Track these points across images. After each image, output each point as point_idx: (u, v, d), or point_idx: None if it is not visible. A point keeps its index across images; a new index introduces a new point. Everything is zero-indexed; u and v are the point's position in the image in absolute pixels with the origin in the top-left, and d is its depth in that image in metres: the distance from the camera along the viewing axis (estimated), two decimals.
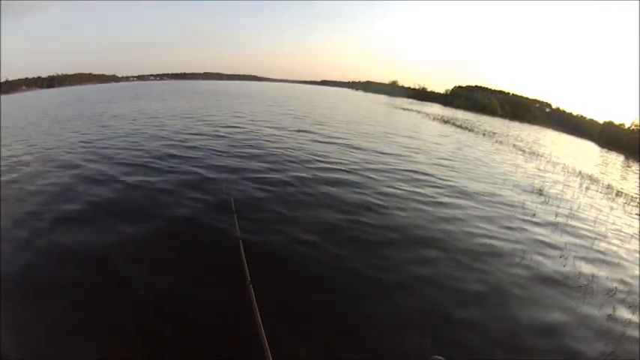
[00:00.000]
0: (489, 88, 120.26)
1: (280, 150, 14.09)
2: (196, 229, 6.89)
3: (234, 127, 19.70)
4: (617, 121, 74.61)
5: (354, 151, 15.62)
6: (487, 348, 4.52)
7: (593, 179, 19.09)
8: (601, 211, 12.34)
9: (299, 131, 13.79)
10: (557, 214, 10.59)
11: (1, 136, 17.43)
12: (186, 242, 6.47)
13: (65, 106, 37.81)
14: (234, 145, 14.44)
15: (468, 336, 4.69)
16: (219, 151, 13.19)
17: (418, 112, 54.12)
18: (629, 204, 14.62)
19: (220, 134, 17.04)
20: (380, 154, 15.59)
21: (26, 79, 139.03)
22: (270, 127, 20.00)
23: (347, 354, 4.16)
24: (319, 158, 13.31)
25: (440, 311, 5.13)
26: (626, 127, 69.97)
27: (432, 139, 24.44)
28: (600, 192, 16.04)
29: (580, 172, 20.46)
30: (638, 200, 15.57)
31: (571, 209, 11.47)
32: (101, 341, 4.10)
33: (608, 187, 17.50)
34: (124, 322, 4.42)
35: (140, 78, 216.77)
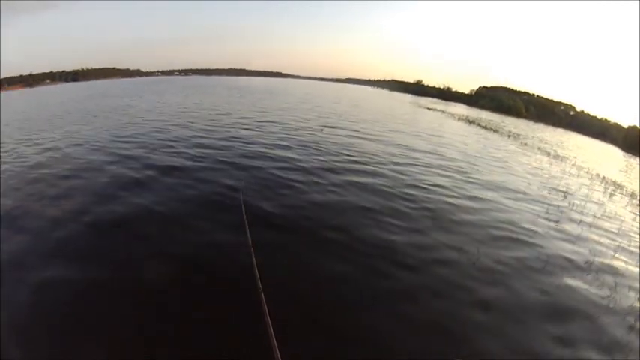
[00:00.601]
0: (514, 89, 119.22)
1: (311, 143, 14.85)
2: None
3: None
4: None
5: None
6: None
7: (617, 185, 19.21)
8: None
9: (323, 129, 13.95)
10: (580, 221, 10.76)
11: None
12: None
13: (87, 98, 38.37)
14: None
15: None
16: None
17: (443, 111, 54.07)
18: None
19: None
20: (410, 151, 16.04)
21: (50, 72, 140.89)
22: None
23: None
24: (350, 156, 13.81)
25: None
26: None
27: (457, 138, 24.73)
28: (624, 198, 16.14)
29: (604, 177, 20.53)
30: None
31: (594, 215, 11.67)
32: (103, 341, 4.20)
33: (632, 194, 17.51)
34: (127, 322, 4.53)
35: (165, 73, 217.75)
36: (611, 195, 16.12)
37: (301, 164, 11.82)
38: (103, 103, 31.81)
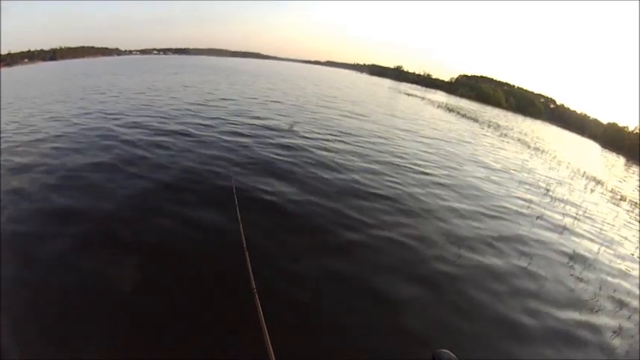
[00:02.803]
0: (495, 79, 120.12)
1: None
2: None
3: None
4: (620, 124, 75.51)
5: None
6: None
7: (597, 180, 19.07)
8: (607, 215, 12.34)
9: (292, 126, 13.42)
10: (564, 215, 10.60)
11: None
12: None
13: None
14: None
15: None
16: None
17: (422, 98, 54.01)
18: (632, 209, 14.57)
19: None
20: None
21: (29, 51, 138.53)
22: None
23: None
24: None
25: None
26: (630, 130, 70.76)
27: (437, 133, 24.23)
28: (604, 194, 16.01)
29: (584, 172, 20.42)
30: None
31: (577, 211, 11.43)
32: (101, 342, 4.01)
33: (612, 190, 17.45)
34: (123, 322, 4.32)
35: (143, 52, 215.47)
36: (592, 190, 15.88)
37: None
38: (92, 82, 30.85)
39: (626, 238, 10.57)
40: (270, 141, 11.98)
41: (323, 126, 15.93)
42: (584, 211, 11.79)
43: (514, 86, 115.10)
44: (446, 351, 2.34)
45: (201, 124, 13.35)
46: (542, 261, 7.38)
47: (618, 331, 5.67)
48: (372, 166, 11.05)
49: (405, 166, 11.82)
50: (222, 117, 15.06)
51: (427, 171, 11.88)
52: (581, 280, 7.04)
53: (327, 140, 13.25)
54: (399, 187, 9.76)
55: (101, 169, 8.53)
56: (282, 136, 12.68)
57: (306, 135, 13.49)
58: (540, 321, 5.44)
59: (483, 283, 6.07)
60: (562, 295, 6.36)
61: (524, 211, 10.22)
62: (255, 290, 3.13)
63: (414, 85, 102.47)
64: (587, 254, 8.33)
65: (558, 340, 5.15)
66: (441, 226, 7.89)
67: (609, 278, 7.45)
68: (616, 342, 5.43)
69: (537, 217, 9.91)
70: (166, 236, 5.99)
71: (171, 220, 6.46)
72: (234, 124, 14.01)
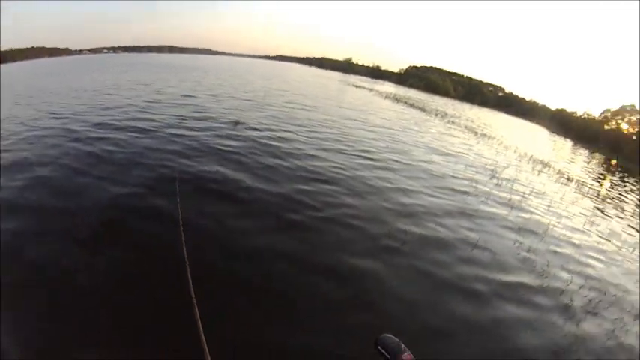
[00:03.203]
0: (444, 69, 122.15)
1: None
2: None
3: None
4: (569, 109, 78.64)
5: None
6: None
7: (544, 163, 19.62)
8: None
9: (236, 124, 13.17)
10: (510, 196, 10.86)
11: None
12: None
13: None
14: None
15: None
16: None
17: (370, 89, 54.25)
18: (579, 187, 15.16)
19: None
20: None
21: None
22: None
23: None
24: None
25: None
26: (578, 115, 73.78)
27: (384, 122, 24.16)
28: (551, 176, 16.53)
29: (532, 156, 20.95)
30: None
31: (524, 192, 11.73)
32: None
33: (560, 172, 18.05)
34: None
35: (93, 51, 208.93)
36: (539, 172, 16.38)
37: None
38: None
39: (574, 214, 11.07)
40: (218, 133, 11.83)
41: (272, 118, 15.81)
42: (532, 190, 12.18)
43: (463, 75, 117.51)
44: (389, 335, 2.29)
45: (151, 120, 12.83)
46: (491, 235, 7.68)
47: (568, 292, 6.16)
48: (321, 154, 11.07)
49: (353, 154, 11.86)
50: (172, 113, 14.51)
51: (374, 157, 11.96)
52: (530, 250, 7.44)
53: (275, 131, 13.11)
54: (347, 172, 9.86)
55: (48, 168, 8.21)
56: (231, 130, 12.47)
57: (256, 127, 13.39)
58: (493, 287, 5.74)
59: (433, 256, 6.29)
60: (512, 264, 6.72)
61: (470, 191, 10.46)
62: (194, 298, 2.99)
63: (363, 77, 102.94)
64: (535, 228, 8.72)
65: (511, 302, 5.46)
66: (388, 206, 8.06)
67: (558, 249, 7.92)
68: (567, 300, 5.90)
69: (484, 196, 10.18)
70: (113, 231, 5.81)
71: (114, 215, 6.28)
72: (183, 118, 13.77)
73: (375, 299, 4.96)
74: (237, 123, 13.07)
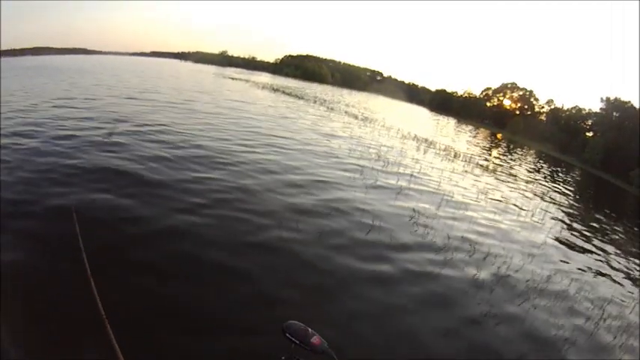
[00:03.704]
0: (320, 57, 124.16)
1: None
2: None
3: None
4: (449, 90, 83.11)
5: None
6: None
7: (429, 142, 19.88)
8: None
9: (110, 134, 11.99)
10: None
11: None
12: None
13: None
14: None
15: None
16: None
17: (247, 81, 53.98)
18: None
19: None
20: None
21: None
22: None
23: None
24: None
25: None
26: (459, 94, 78.51)
27: (260, 112, 23.72)
28: (438, 153, 16.73)
29: (415, 135, 21.29)
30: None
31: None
32: None
33: (446, 149, 18.29)
34: None
35: None
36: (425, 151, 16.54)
37: None
38: None
39: (465, 188, 11.32)
40: (95, 139, 10.61)
41: (147, 119, 14.58)
42: (420, 169, 12.18)
43: (339, 62, 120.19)
44: (294, 322, 2.25)
45: (34, 130, 11.46)
46: (386, 217, 7.74)
47: (473, 263, 6.46)
48: (198, 151, 10.64)
49: (231, 147, 11.46)
50: (46, 121, 13.17)
51: (255, 150, 11.66)
52: (427, 227, 7.60)
53: (151, 133, 12.16)
54: (228, 166, 9.64)
55: None
56: (107, 136, 11.35)
57: (131, 129, 12.39)
58: (396, 265, 5.85)
59: (329, 242, 6.27)
60: (413, 241, 6.87)
61: (357, 175, 10.35)
62: (105, 317, 3.02)
63: (239, 69, 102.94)
64: (428, 206, 8.91)
65: (418, 278, 5.62)
66: (274, 197, 8.02)
67: (455, 223, 8.21)
68: (472, 272, 6.15)
69: (372, 179, 10.16)
70: None
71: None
72: (62, 127, 12.17)
73: (273, 290, 4.82)
74: (111, 131, 11.87)
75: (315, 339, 2.09)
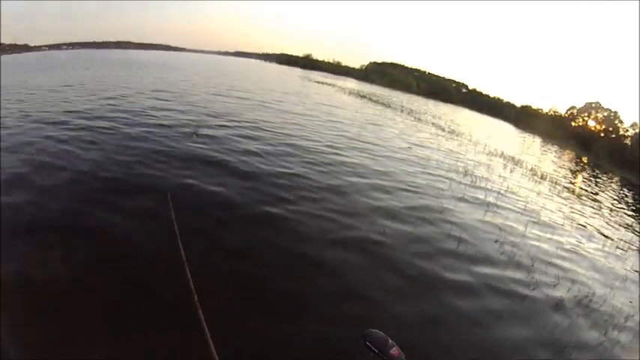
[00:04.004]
0: (405, 65, 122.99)
1: None
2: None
3: None
4: (534, 106, 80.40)
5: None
6: None
7: (516, 160, 19.65)
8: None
9: (199, 127, 12.46)
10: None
11: None
12: None
13: None
14: None
15: None
16: None
17: (333, 85, 54.17)
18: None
19: None
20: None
21: None
22: None
23: None
24: None
25: None
26: (544, 112, 75.73)
27: (349, 117, 23.94)
28: (525, 174, 16.57)
29: (502, 152, 21.06)
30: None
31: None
32: None
33: (532, 169, 18.08)
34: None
35: (52, 47, 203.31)
36: (511, 170, 16.39)
37: None
38: None
39: (551, 211, 11.14)
40: (185, 131, 11.44)
41: (235, 116, 15.23)
42: (507, 188, 12.10)
43: (425, 72, 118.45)
44: (376, 330, 2.45)
45: (128, 118, 12.21)
46: (473, 231, 7.85)
47: (554, 286, 6.40)
48: (287, 149, 11.10)
49: (319, 148, 11.89)
50: (140, 111, 13.92)
51: (343, 153, 11.98)
52: (513, 245, 7.59)
53: (240, 129, 12.84)
54: (315, 166, 9.99)
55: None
56: (196, 129, 11.92)
57: (220, 124, 13.10)
58: (478, 278, 5.92)
59: (415, 248, 6.45)
60: (497, 258, 6.93)
61: (444, 187, 10.54)
62: (197, 301, 3.09)
63: (324, 73, 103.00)
64: (515, 225, 8.87)
65: (499, 294, 5.64)
66: (361, 199, 8.25)
67: (541, 244, 8.16)
68: (555, 293, 6.14)
69: (460, 193, 10.27)
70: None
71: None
72: (153, 117, 12.97)
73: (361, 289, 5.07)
74: (196, 130, 12.31)
75: (394, 350, 2.30)
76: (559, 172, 20.11)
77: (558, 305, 5.82)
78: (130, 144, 9.50)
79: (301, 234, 6.20)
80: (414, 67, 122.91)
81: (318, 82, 56.09)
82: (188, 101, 17.08)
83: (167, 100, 16.43)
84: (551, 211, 11.07)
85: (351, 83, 75.89)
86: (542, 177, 16.27)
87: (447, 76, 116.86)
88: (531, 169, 17.82)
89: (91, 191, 6.81)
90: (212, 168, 8.48)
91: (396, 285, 5.25)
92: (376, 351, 2.31)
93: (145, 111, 13.36)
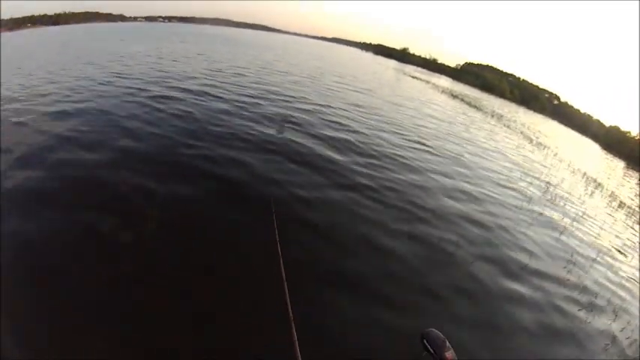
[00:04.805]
0: (500, 69, 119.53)
1: None
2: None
3: None
4: (623, 128, 75.95)
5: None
6: None
7: (597, 183, 19.15)
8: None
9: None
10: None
11: None
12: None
13: None
14: None
15: None
16: None
17: (427, 82, 53.57)
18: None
19: None
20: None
21: (32, 16, 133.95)
22: None
23: None
24: None
25: None
26: (633, 135, 71.28)
27: (442, 115, 24.19)
28: (604, 198, 16.22)
29: (585, 173, 20.56)
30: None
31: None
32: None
33: (612, 195, 17.57)
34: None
35: (148, 19, 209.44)
36: (592, 193, 16.04)
37: None
38: None
39: (624, 242, 10.86)
40: (277, 111, 12.22)
41: (327, 101, 16.00)
42: (584, 211, 11.98)
43: (519, 78, 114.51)
44: (435, 330, 2.46)
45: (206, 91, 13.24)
46: (545, 247, 7.95)
47: (611, 316, 6.24)
48: (380, 140, 11.93)
49: (405, 144, 12.41)
50: (228, 86, 15.00)
51: (430, 150, 12.54)
52: (581, 268, 7.58)
53: (330, 115, 13.49)
54: (399, 159, 10.66)
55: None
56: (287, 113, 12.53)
57: (309, 109, 13.62)
58: (542, 294, 6.07)
59: (485, 253, 6.77)
60: (564, 277, 6.95)
61: (524, 201, 10.63)
62: (292, 318, 2.81)
63: (418, 68, 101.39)
64: (586, 250, 8.71)
65: (558, 311, 5.76)
66: (439, 197, 8.67)
67: (609, 273, 7.96)
68: (607, 322, 6.00)
69: (538, 208, 10.36)
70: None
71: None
72: (246, 94, 13.90)
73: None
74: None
75: (449, 354, 2.30)
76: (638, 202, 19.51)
77: (607, 332, 5.72)
78: (220, 117, 10.65)
79: (382, 221, 6.69)
80: (509, 72, 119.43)
81: (413, 77, 56.06)
82: (279, 82, 18.30)
83: (259, 77, 17.76)
84: (624, 242, 10.82)
85: (445, 81, 74.76)
86: (620, 205, 15.97)
87: (540, 85, 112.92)
88: (611, 194, 17.35)
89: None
90: (300, 148, 9.20)
91: (459, 285, 5.49)
92: (432, 351, 2.35)
93: (235, 87, 14.77)
